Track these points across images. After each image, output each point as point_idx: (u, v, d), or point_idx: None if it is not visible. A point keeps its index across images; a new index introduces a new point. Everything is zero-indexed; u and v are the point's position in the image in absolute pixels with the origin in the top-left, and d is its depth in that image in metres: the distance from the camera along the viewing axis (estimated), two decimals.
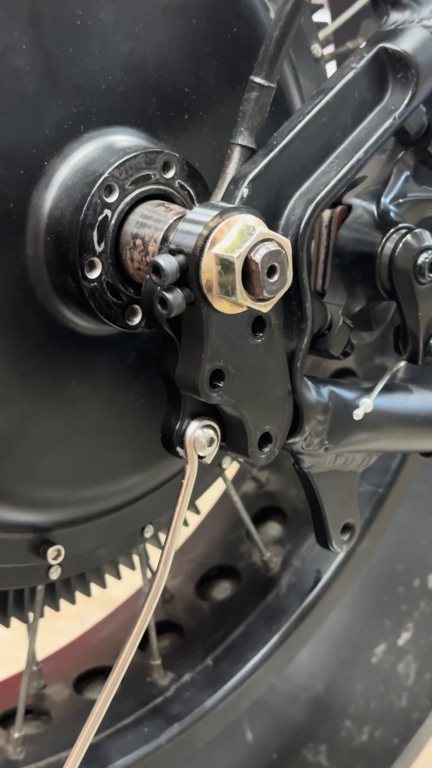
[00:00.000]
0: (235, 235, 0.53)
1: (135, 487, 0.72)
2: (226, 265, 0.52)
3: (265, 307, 0.54)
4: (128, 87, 0.62)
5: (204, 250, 0.53)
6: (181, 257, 0.53)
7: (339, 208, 0.66)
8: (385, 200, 0.67)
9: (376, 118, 0.62)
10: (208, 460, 0.59)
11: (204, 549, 0.99)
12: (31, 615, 0.77)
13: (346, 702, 1.03)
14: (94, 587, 0.81)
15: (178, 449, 0.59)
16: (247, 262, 0.53)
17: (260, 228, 0.53)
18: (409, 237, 0.64)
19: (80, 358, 0.64)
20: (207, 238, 0.53)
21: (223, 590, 0.97)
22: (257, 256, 0.52)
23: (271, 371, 0.59)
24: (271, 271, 0.53)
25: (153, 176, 0.60)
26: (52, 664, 0.91)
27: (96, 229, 0.58)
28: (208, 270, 0.53)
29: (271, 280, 0.53)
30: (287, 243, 0.54)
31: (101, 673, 0.89)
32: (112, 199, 0.58)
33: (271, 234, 0.53)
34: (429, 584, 1.04)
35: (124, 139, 0.61)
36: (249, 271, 0.53)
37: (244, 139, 0.60)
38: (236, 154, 0.60)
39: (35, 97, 0.57)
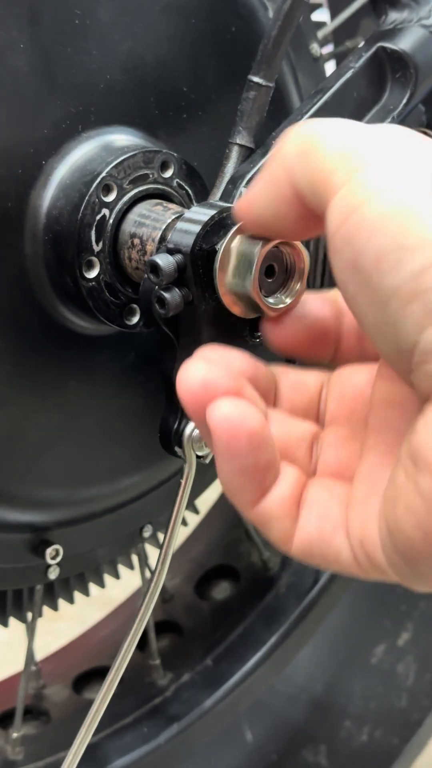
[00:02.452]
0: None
1: (134, 486, 0.72)
2: (245, 259, 0.51)
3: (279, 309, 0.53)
4: (127, 86, 0.61)
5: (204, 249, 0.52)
6: (179, 256, 0.53)
7: None
8: None
9: (374, 118, 0.62)
10: (207, 460, 0.59)
11: (203, 549, 0.99)
12: (29, 615, 0.77)
13: (345, 702, 1.03)
14: (92, 587, 0.81)
15: (177, 449, 0.59)
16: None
17: None
18: None
19: (79, 358, 0.64)
20: (203, 236, 0.52)
21: (222, 590, 0.97)
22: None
23: None
24: (270, 270, 0.53)
25: (151, 175, 0.60)
26: (51, 664, 0.91)
27: (94, 228, 0.58)
28: (224, 268, 0.52)
29: (270, 280, 0.53)
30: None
31: (100, 673, 0.89)
32: (110, 198, 0.58)
33: None
34: None
35: (123, 139, 0.61)
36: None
37: (242, 138, 0.60)
38: (234, 154, 0.60)
39: (33, 96, 0.57)
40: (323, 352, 0.50)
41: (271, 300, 0.52)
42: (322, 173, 0.41)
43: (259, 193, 0.46)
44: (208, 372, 0.43)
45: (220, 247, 0.52)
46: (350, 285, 0.40)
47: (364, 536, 0.42)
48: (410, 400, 0.43)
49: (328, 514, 0.44)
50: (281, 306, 0.52)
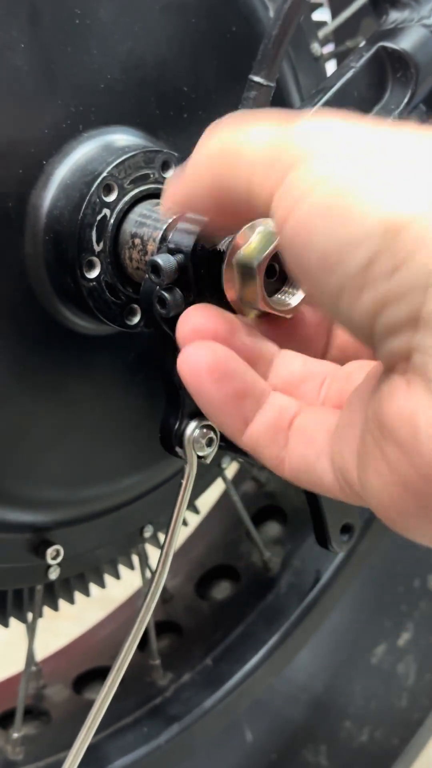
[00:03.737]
0: (257, 238, 0.52)
1: (134, 486, 0.72)
2: (247, 270, 0.51)
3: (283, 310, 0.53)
4: (127, 86, 0.61)
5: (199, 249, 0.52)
6: (180, 256, 0.53)
7: None
8: None
9: (375, 118, 0.62)
10: (208, 460, 0.59)
11: (204, 549, 0.99)
12: (29, 615, 0.77)
13: (345, 702, 1.03)
14: (93, 587, 0.81)
15: (177, 449, 0.59)
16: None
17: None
18: None
19: (79, 358, 0.64)
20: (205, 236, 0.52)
21: (222, 590, 0.96)
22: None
23: None
24: (270, 270, 0.53)
25: (152, 175, 0.60)
26: (51, 664, 0.91)
27: (95, 228, 0.58)
28: (230, 278, 0.52)
29: (271, 280, 0.53)
30: None
31: (101, 674, 0.89)
32: (111, 198, 0.58)
33: None
34: (429, 584, 1.04)
35: (123, 138, 0.61)
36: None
37: None
38: None
39: (34, 96, 0.57)
40: None
41: (273, 301, 0.52)
42: (252, 175, 0.41)
43: (190, 197, 0.45)
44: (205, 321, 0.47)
45: (227, 246, 0.52)
46: (301, 283, 0.43)
47: (343, 466, 0.43)
48: None
49: (312, 441, 0.45)
50: (285, 307, 0.51)
